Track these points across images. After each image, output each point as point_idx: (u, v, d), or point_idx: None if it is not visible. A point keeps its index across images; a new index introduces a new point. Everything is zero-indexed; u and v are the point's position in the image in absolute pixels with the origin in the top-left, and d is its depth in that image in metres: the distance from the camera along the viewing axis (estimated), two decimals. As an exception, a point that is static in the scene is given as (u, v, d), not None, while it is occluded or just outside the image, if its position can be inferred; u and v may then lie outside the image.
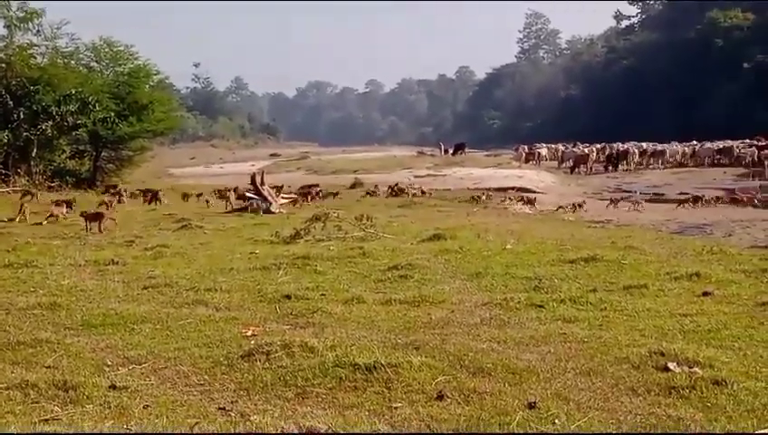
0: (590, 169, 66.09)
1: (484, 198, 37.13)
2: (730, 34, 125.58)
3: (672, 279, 14.06)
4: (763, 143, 68.95)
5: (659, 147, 73.19)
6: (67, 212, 28.68)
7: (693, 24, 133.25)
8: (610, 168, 66.52)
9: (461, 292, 13.30)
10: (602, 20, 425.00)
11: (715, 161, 68.35)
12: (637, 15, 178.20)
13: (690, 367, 8.51)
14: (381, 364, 8.44)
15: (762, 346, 9.50)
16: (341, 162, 73.27)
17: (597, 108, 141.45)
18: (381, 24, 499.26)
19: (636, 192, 42.40)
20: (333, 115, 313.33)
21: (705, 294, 12.62)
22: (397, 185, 40.57)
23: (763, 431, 6.97)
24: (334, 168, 65.16)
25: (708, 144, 73.73)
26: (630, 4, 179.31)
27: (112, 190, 38.52)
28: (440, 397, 7.79)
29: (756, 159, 64.75)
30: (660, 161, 68.39)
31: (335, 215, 24.28)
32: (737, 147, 69.88)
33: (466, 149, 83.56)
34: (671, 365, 8.55)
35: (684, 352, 8.96)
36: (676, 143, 76.22)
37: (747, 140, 71.88)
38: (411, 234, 21.93)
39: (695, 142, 75.75)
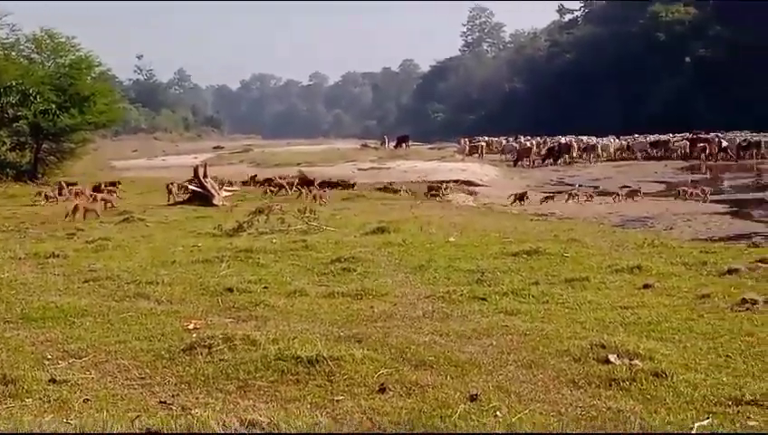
0: (533, 162, 66.41)
1: (444, 189, 37.06)
2: (672, 29, 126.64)
3: (613, 272, 14.15)
4: (696, 137, 69.96)
5: (594, 140, 73.94)
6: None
7: (635, 19, 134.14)
8: (550, 160, 66.98)
9: (404, 285, 13.32)
10: (546, 14, 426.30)
11: (649, 154, 69.08)
12: (580, 9, 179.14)
13: (631, 359, 8.57)
14: (323, 357, 8.43)
15: (701, 338, 9.58)
16: (285, 155, 72.98)
17: (540, 101, 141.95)
18: (326, 17, 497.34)
19: (578, 185, 42.69)
20: (277, 108, 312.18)
21: (646, 286, 12.71)
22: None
23: (701, 423, 7.03)
24: (278, 160, 64.93)
25: (641, 138, 74.65)
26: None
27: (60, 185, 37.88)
28: (382, 390, 7.79)
29: (688, 151, 65.84)
30: (592, 155, 68.97)
31: (278, 208, 24.24)
32: (671, 140, 70.84)
33: (410, 142, 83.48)
34: (612, 357, 8.61)
35: (624, 345, 9.02)
36: (614, 137, 77.12)
37: (687, 133, 72.65)
38: (355, 227, 21.91)
39: (636, 136, 76.55)
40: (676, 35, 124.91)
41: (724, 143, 67.24)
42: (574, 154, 69.14)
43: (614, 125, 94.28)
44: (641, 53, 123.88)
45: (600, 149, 70.72)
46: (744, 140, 68.13)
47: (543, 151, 70.02)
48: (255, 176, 42.04)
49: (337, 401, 7.58)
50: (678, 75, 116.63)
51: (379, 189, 37.76)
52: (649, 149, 70.86)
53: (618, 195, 35.08)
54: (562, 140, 75.96)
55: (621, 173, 54.55)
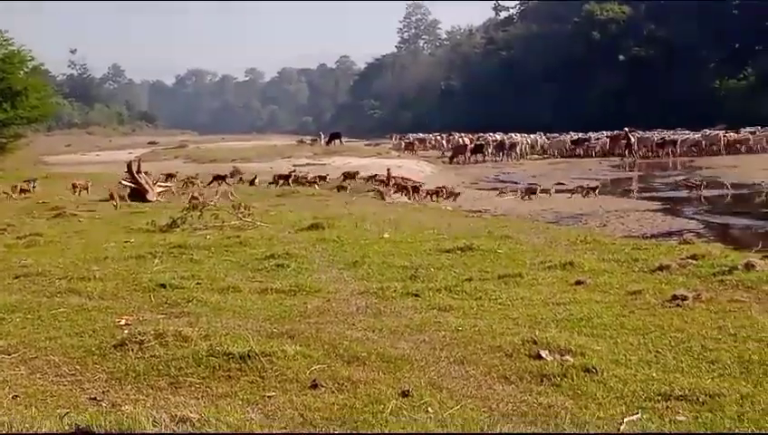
0: (468, 158, 66.64)
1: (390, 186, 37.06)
2: (606, 28, 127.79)
3: (546, 268, 14.22)
4: (616, 134, 71.02)
5: (517, 137, 74.57)
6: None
7: (570, 17, 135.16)
8: (479, 156, 67.45)
9: (338, 281, 13.32)
10: (482, 11, 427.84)
11: (570, 152, 69.84)
12: (516, 7, 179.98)
13: (562, 355, 8.62)
14: (255, 353, 8.39)
15: (632, 334, 9.65)
16: (221, 151, 72.77)
17: (476, 99, 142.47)
18: (264, 13, 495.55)
19: (518, 182, 42.90)
20: (213, 104, 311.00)
21: (578, 283, 12.77)
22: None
23: (631, 418, 7.09)
24: (213, 156, 64.65)
25: (559, 136, 75.44)
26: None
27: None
28: (314, 386, 7.78)
29: (608, 149, 66.99)
30: (513, 153, 69.65)
31: (212, 203, 24.14)
32: (591, 138, 71.99)
33: (343, 139, 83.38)
34: (543, 353, 8.65)
35: (556, 341, 9.06)
36: (542, 134, 77.80)
37: (618, 131, 73.49)
38: (289, 223, 21.90)
39: (556, 134, 77.53)
40: (610, 34, 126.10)
41: (632, 139, 69.06)
42: (490, 150, 70.02)
43: (548, 123, 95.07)
44: (576, 52, 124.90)
45: (522, 146, 71.33)
46: (661, 139, 70.06)
47: (470, 148, 70.20)
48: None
49: (268, 397, 7.56)
50: (612, 74, 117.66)
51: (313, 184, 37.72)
52: (569, 148, 71.62)
53: (583, 190, 35.26)
54: (490, 136, 76.64)
55: (558, 170, 54.93)
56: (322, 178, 39.48)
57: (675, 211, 30.80)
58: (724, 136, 68.64)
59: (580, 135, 75.38)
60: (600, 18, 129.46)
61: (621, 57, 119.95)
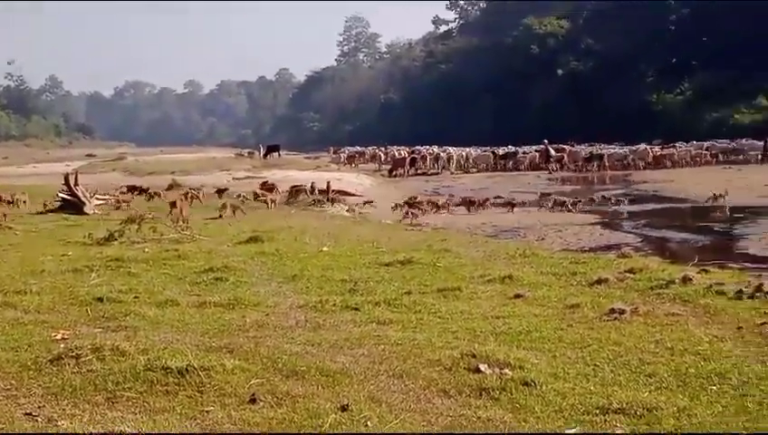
0: (407, 172, 66.74)
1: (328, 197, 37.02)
2: (545, 41, 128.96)
3: (485, 282, 14.30)
4: (548, 148, 71.94)
5: (451, 151, 75.09)
6: None
7: (509, 31, 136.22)
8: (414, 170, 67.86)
9: (277, 294, 13.28)
10: (421, 25, 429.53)
11: (498, 166, 70.43)
12: (455, 21, 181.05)
13: (501, 368, 8.66)
14: (194, 368, 8.34)
15: (570, 348, 9.72)
16: (159, 163, 72.12)
17: (416, 112, 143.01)
18: (202, 25, 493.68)
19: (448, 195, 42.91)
20: (151, 116, 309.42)
21: (517, 296, 12.85)
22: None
23: (569, 432, 7.13)
24: (152, 169, 64.07)
25: (485, 150, 76.11)
26: (448, 9, 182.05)
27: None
28: (253, 400, 7.76)
29: (537, 162, 68.06)
30: (443, 165, 70.23)
31: (150, 216, 23.98)
32: (518, 152, 73.78)
33: (281, 151, 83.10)
34: (482, 367, 8.69)
35: (495, 354, 9.11)
36: (476, 148, 78.28)
37: (561, 145, 74.25)
38: (228, 236, 21.80)
39: (485, 148, 78.05)
40: (548, 48, 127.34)
41: (551, 151, 70.68)
42: (427, 163, 70.44)
43: (488, 136, 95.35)
44: (515, 66, 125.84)
45: (458, 160, 71.91)
46: (589, 153, 70.97)
47: (409, 161, 70.59)
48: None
49: (207, 411, 7.52)
50: (551, 87, 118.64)
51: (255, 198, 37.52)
52: (497, 161, 72.30)
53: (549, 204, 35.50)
54: (426, 150, 77.34)
55: (496, 184, 55.03)
56: (270, 190, 39.20)
57: (613, 225, 30.95)
58: (652, 151, 70.36)
59: (507, 149, 76.01)
60: (539, 32, 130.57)
61: (560, 71, 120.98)
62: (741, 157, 69.11)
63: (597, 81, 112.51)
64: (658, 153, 69.45)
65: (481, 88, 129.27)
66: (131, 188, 39.16)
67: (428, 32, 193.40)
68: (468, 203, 35.38)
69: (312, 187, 38.30)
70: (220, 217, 27.96)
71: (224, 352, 9.23)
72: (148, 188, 38.00)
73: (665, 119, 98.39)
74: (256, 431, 7.05)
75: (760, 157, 67.48)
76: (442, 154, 72.67)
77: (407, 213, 31.31)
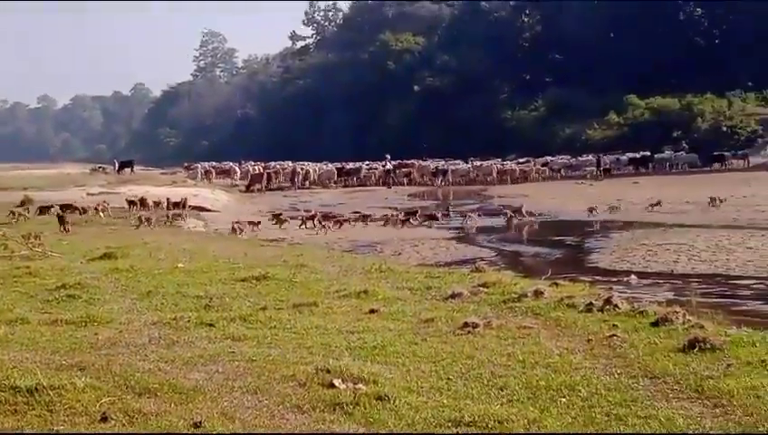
0: (264, 187, 66.58)
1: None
2: (401, 58, 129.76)
3: (341, 297, 14.35)
4: (400, 163, 73.78)
5: (307, 166, 75.92)
6: None
7: (366, 47, 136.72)
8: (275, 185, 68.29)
9: (130, 311, 13.13)
10: (279, 40, 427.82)
11: (342, 182, 72.00)
12: (312, 36, 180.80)
13: (355, 383, 8.69)
14: (43, 386, 8.20)
15: (424, 361, 9.80)
16: (11, 179, 70.69)
17: (274, 127, 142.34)
18: (55, 40, 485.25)
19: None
20: (4, 131, 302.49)
21: (372, 311, 12.90)
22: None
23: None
24: (4, 184, 62.79)
25: (330, 165, 77.01)
26: (305, 25, 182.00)
27: None
28: (104, 419, 7.66)
29: (381, 177, 70.76)
30: (305, 183, 70.86)
31: (1, 233, 23.51)
32: (362, 168, 75.20)
33: (135, 167, 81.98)
34: (336, 382, 8.71)
35: (349, 369, 9.14)
36: (326, 163, 78.73)
37: (412, 160, 75.66)
38: (81, 253, 21.46)
39: (328, 164, 78.92)
40: (405, 64, 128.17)
41: (389, 165, 73.44)
42: (281, 178, 71.54)
43: (346, 152, 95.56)
44: (372, 81, 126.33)
45: (314, 175, 73.32)
46: (435, 168, 74.16)
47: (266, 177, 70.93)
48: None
49: (57, 431, 7.39)
50: (406, 103, 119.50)
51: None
52: (337, 178, 73.58)
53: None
54: (280, 165, 78.16)
55: (353, 199, 55.28)
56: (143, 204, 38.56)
57: (468, 240, 31.33)
58: (495, 166, 73.91)
59: (350, 165, 76.96)
60: (395, 48, 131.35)
61: (416, 87, 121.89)
62: (579, 172, 73.66)
63: (453, 97, 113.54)
64: (501, 169, 73.03)
65: (338, 104, 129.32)
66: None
67: (286, 47, 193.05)
68: (328, 218, 35.43)
69: (167, 202, 37.92)
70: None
71: (75, 371, 9.08)
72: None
73: (520, 135, 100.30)
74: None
75: (595, 172, 70.86)
76: (298, 169, 72.89)
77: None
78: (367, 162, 78.94)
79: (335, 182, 71.32)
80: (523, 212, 37.30)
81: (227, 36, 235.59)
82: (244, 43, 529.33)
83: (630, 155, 76.64)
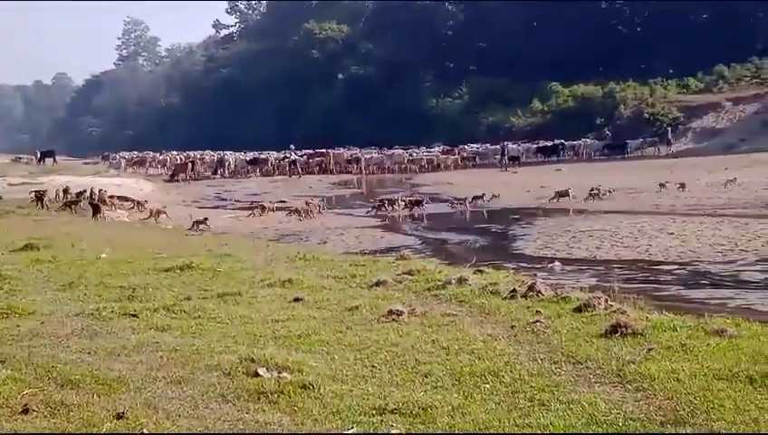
0: (189, 177, 66.34)
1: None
2: (325, 46, 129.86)
3: (266, 286, 14.32)
4: (315, 152, 76.23)
5: (227, 155, 76.29)
6: None
7: (290, 35, 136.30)
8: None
9: (53, 302, 12.98)
10: (202, 29, 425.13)
11: (249, 171, 72.77)
12: (235, 25, 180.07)
13: (279, 372, 8.67)
14: (-36, 379, 8.09)
15: (349, 350, 9.81)
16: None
17: (199, 116, 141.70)
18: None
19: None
20: None
21: (297, 299, 12.88)
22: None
23: (346, 433, 7.20)
24: None
25: (242, 155, 78.35)
26: (229, 13, 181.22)
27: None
28: (25, 410, 7.57)
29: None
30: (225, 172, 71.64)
31: None
32: (269, 158, 76.23)
33: (57, 157, 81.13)
34: (261, 371, 8.68)
35: (274, 358, 9.10)
36: (245, 152, 79.00)
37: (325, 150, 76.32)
38: (2, 244, 21.19)
39: (246, 152, 79.22)
40: (329, 53, 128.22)
41: (293, 156, 75.65)
42: (198, 168, 71.64)
43: (271, 140, 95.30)
44: (296, 70, 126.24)
45: (234, 164, 74.08)
46: (350, 155, 76.06)
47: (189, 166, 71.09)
48: None
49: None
50: (331, 91, 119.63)
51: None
52: (249, 167, 74.38)
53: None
54: (200, 154, 78.40)
55: (278, 187, 55.25)
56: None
57: (394, 228, 31.42)
58: (405, 154, 76.36)
59: (256, 155, 77.35)
60: (320, 37, 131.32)
61: (340, 75, 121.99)
62: (487, 160, 75.68)
63: (377, 85, 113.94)
64: (410, 158, 74.96)
65: (262, 92, 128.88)
66: None
67: (209, 36, 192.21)
68: (254, 207, 35.43)
69: (90, 192, 37.55)
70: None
71: (-5, 363, 8.98)
72: None
73: (444, 122, 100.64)
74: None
75: (500, 160, 72.75)
76: (227, 158, 73.06)
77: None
78: (273, 152, 79.51)
79: (251, 172, 71.46)
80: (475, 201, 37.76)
81: (150, 25, 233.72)
82: (168, 31, 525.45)
83: (542, 143, 78.13)
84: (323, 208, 36.75)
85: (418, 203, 36.97)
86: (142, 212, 35.21)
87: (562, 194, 37.92)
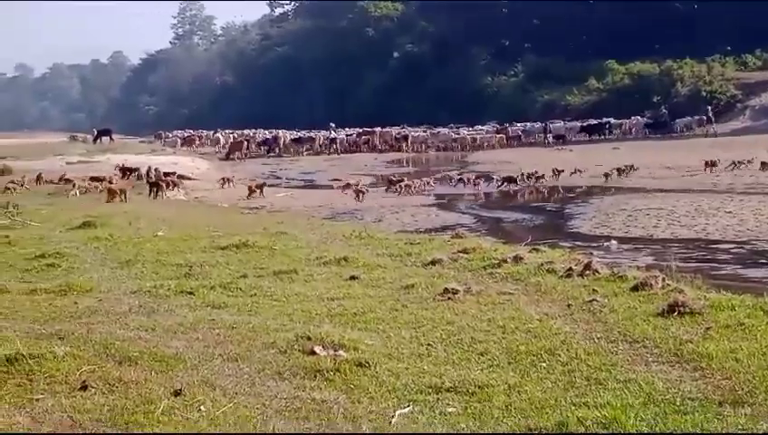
0: (245, 155, 66.47)
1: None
2: (380, 24, 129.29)
3: (321, 264, 14.35)
4: (364, 131, 76.17)
5: (279, 133, 76.33)
6: None
7: (345, 14, 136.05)
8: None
9: (110, 280, 13.11)
10: (258, 7, 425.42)
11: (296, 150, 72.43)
12: (291, 3, 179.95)
13: (335, 350, 8.68)
14: (23, 356, 8.12)
15: (404, 328, 9.80)
16: (-12, 148, 70.37)
17: (253, 94, 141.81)
18: (32, 7, 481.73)
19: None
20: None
21: (353, 278, 12.90)
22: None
23: (402, 411, 7.18)
24: (-20, 154, 62.50)
25: (288, 133, 78.24)
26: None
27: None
28: (84, 387, 7.61)
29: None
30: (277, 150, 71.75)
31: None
32: (315, 137, 75.83)
33: (113, 135, 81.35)
34: (317, 349, 8.70)
35: (330, 336, 9.11)
36: (298, 130, 79.17)
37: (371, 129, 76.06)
38: (60, 222, 21.41)
39: (284, 131, 79.11)
40: (384, 31, 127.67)
41: (333, 134, 76.11)
42: (253, 146, 72.27)
43: (324, 119, 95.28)
44: (351, 48, 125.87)
45: (284, 141, 74.52)
46: (398, 134, 75.27)
47: (254, 145, 71.25)
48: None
49: (36, 399, 7.36)
50: (385, 70, 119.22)
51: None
52: (295, 146, 73.96)
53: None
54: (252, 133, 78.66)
55: (333, 166, 55.21)
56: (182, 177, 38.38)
57: (449, 206, 31.31)
58: (452, 134, 76.20)
59: (304, 133, 78.43)
60: (374, 15, 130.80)
61: (396, 53, 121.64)
62: (533, 139, 74.77)
63: (432, 63, 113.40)
64: (457, 137, 74.52)
65: (316, 70, 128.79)
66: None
67: (264, 14, 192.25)
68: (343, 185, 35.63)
69: (147, 171, 37.77)
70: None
71: (54, 340, 9.04)
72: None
73: (499, 101, 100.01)
74: (87, 419, 6.92)
75: (543, 138, 72.68)
76: (279, 136, 73.12)
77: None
78: (323, 131, 79.56)
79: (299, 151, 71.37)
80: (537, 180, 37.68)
81: (205, 4, 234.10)
82: (223, 10, 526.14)
83: (588, 122, 76.84)
84: (427, 185, 36.67)
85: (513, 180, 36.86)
86: (230, 188, 35.49)
87: (622, 171, 37.69)
